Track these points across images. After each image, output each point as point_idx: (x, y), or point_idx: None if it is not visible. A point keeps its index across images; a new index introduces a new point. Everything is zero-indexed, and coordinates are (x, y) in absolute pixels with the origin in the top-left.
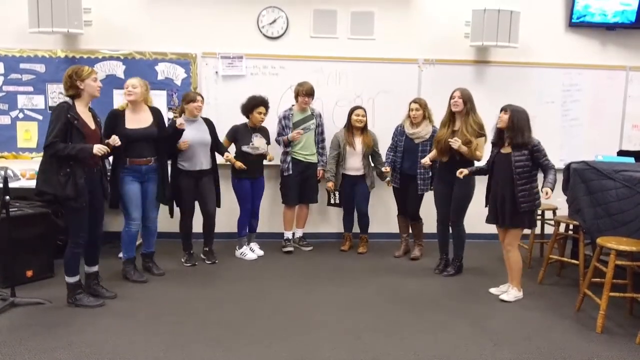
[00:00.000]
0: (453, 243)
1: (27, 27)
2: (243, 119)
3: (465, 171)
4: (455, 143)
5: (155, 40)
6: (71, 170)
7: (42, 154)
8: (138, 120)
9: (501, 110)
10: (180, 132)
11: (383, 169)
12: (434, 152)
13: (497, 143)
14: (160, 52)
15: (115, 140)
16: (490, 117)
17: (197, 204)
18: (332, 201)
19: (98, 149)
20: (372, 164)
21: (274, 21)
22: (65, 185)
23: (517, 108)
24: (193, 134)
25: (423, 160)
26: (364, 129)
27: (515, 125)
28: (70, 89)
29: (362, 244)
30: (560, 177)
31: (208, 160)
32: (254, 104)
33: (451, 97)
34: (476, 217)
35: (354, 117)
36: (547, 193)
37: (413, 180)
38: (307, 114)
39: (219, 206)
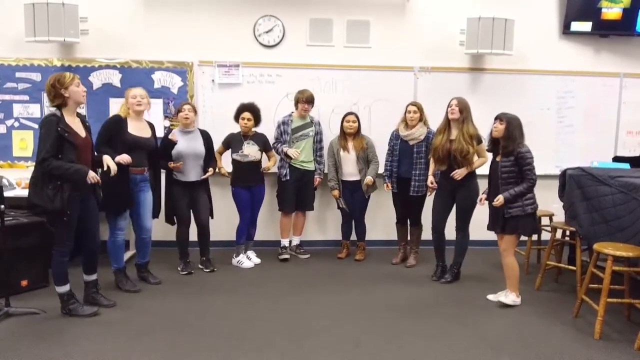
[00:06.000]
0: (455, 249)
1: (24, 36)
2: (239, 127)
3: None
4: (457, 175)
5: (151, 49)
6: (60, 184)
7: None
8: (139, 129)
9: (496, 119)
10: (172, 144)
11: (366, 180)
12: (432, 167)
13: (493, 151)
14: (156, 61)
15: (126, 159)
16: (485, 124)
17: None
18: (340, 205)
19: (92, 177)
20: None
21: (270, 30)
22: (53, 199)
23: (511, 117)
24: (186, 146)
25: (428, 183)
26: (356, 134)
27: (510, 135)
28: (55, 98)
29: (360, 251)
30: (555, 183)
31: (199, 172)
32: (238, 110)
33: (449, 105)
34: (473, 223)
35: (345, 123)
36: (497, 199)
37: (410, 183)
38: (306, 121)
39: (211, 217)
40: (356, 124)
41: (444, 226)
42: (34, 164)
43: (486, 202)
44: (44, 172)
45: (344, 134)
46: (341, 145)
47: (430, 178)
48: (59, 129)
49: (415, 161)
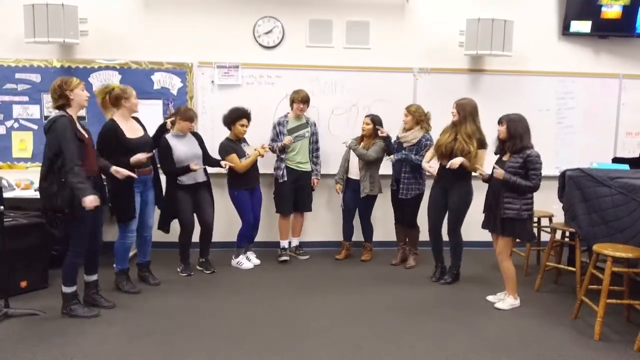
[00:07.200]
0: (450, 251)
1: (23, 37)
2: (235, 132)
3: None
4: (452, 165)
5: (151, 50)
6: (65, 181)
7: (37, 164)
8: (134, 130)
9: (498, 123)
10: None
11: (382, 133)
12: (430, 154)
13: (500, 152)
14: (156, 62)
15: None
16: (485, 125)
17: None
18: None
19: (88, 203)
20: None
21: (270, 31)
22: (56, 196)
23: (512, 117)
24: (186, 150)
25: (424, 165)
26: (371, 136)
27: (513, 134)
28: (59, 98)
29: (366, 251)
30: (555, 184)
31: (201, 173)
32: (237, 116)
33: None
34: (473, 225)
35: (362, 124)
36: (498, 172)
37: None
38: (301, 122)
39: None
40: (369, 126)
41: (441, 227)
42: (34, 165)
43: (483, 204)
44: (64, 171)
45: (362, 135)
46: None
47: (425, 164)
48: (72, 128)
49: (404, 165)
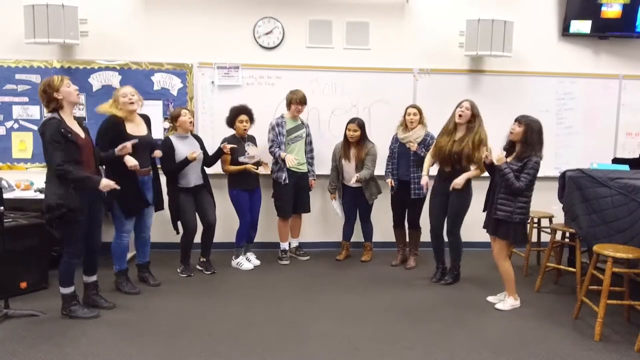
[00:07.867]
0: (450, 252)
1: (23, 38)
2: (235, 130)
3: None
4: (456, 186)
5: (151, 51)
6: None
7: (37, 164)
8: (136, 128)
9: (515, 121)
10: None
11: (353, 179)
12: (428, 164)
13: (508, 152)
14: (156, 63)
15: (133, 163)
16: (485, 125)
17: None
18: (335, 210)
19: (105, 185)
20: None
21: (270, 31)
22: (75, 197)
23: (531, 121)
24: (187, 150)
25: (422, 182)
26: (359, 142)
27: (528, 140)
28: (49, 103)
29: (366, 252)
30: (555, 185)
31: (200, 175)
32: (236, 113)
33: (458, 106)
34: (474, 225)
35: (347, 132)
36: (499, 157)
37: (409, 186)
38: (298, 123)
39: None
40: (357, 133)
41: (442, 229)
42: (34, 165)
43: (479, 205)
44: (58, 176)
45: (347, 141)
46: (344, 153)
47: (425, 179)
48: (62, 130)
49: (412, 164)
